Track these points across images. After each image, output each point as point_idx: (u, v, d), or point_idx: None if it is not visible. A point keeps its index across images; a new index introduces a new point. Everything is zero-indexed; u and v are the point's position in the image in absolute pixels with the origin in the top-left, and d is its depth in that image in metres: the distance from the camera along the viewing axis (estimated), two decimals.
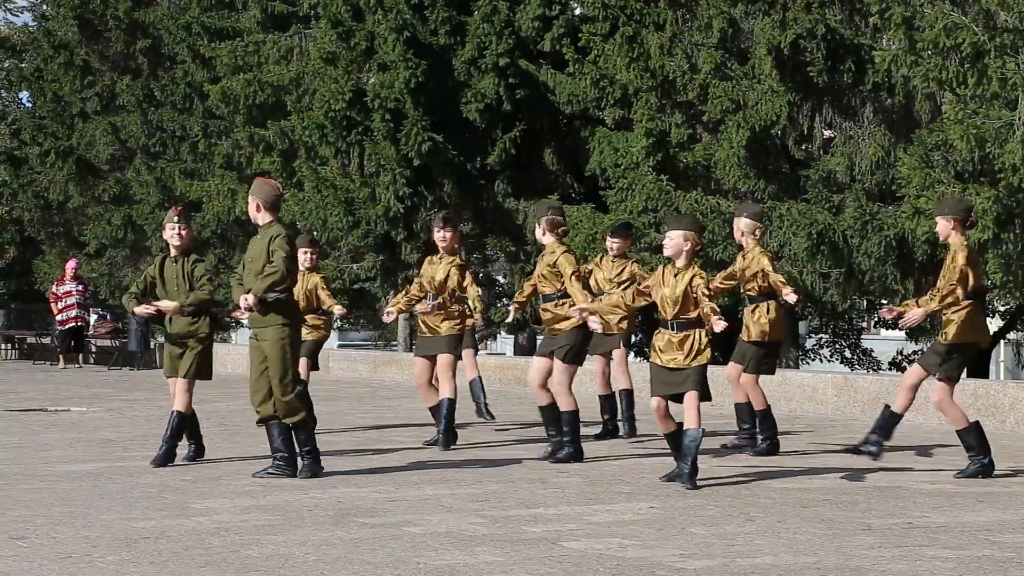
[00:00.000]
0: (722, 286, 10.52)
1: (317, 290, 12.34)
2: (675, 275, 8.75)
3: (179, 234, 9.90)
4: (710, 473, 9.32)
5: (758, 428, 10.55)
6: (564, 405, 9.91)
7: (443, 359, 10.86)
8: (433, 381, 11.09)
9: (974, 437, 9.17)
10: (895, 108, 15.48)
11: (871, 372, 21.98)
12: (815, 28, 15.37)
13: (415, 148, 18.96)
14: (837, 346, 22.45)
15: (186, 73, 25.22)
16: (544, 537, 6.85)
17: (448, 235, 10.91)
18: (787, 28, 15.49)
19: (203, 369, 9.89)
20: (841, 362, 22.70)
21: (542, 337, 10.20)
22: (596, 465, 9.87)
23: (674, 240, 8.74)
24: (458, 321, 10.94)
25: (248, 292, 8.91)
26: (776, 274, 10.34)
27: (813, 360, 23.27)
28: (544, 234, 10.07)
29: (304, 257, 12.24)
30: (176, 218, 9.93)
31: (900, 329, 9.72)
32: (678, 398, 8.77)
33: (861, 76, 15.39)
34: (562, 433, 9.96)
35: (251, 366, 8.99)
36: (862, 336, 23.97)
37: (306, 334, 12.22)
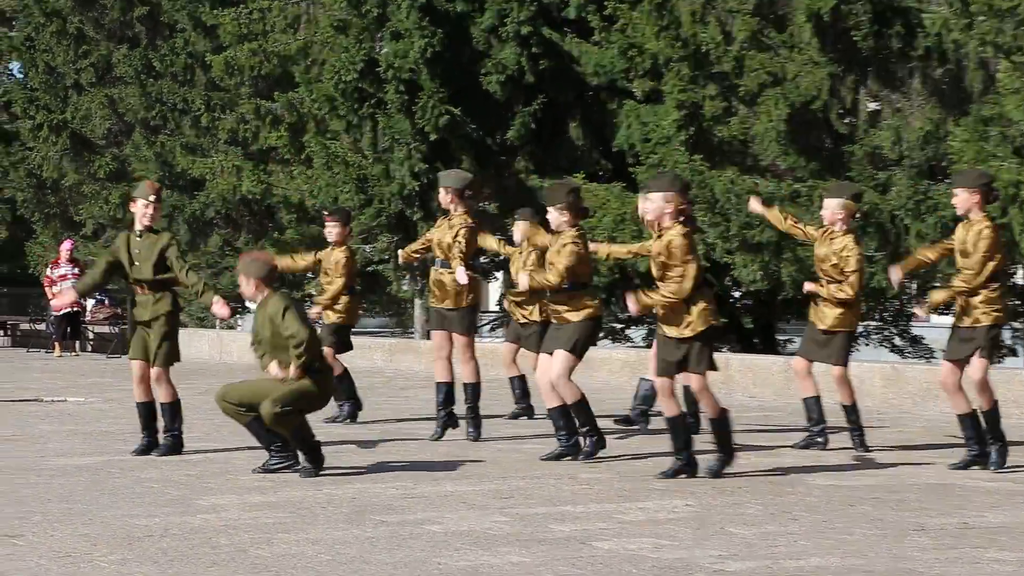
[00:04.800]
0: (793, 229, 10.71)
1: (339, 267, 12.38)
2: (658, 238, 8.76)
3: (151, 214, 10.05)
4: (748, 469, 9.29)
5: (848, 421, 10.45)
6: (569, 396, 9.66)
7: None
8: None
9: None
10: (946, 78, 15.37)
11: (923, 361, 21.89)
12: None
13: (431, 122, 18.93)
14: (886, 334, 22.35)
15: (187, 42, 25.22)
16: (573, 536, 6.83)
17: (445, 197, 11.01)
18: None
19: (173, 354, 10.04)
20: (891, 351, 22.61)
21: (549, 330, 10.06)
22: (628, 461, 9.84)
23: (655, 203, 8.73)
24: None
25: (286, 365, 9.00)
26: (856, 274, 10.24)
27: (866, 346, 23.23)
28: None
29: (329, 231, 12.47)
30: (152, 196, 10.05)
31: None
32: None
33: (910, 42, 15.27)
34: (572, 428, 9.81)
35: (253, 382, 9.12)
36: (912, 323, 23.85)
37: (333, 317, 12.34)
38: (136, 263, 9.98)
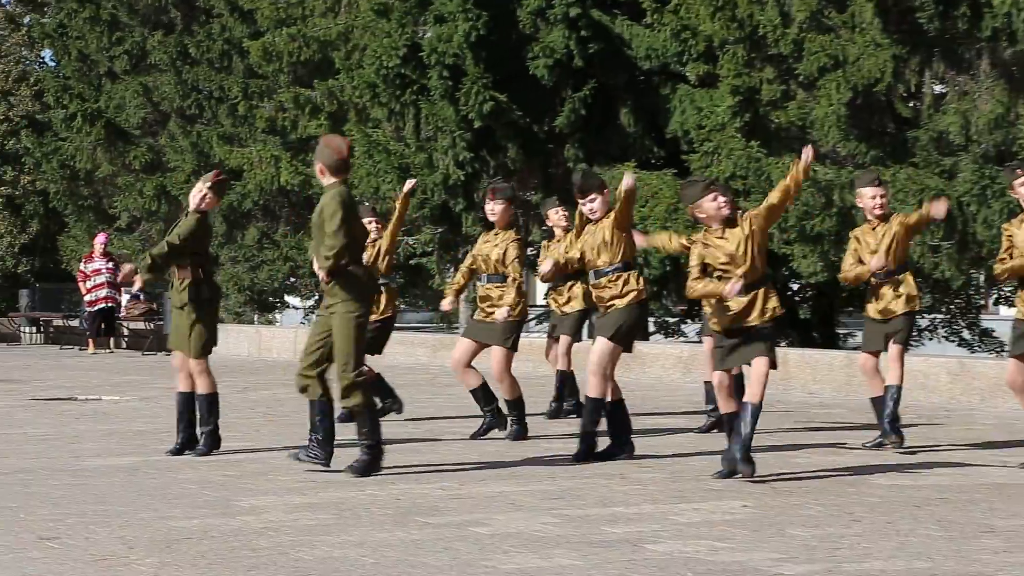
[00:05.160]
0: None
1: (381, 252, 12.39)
2: (721, 236, 8.76)
3: (204, 197, 10.11)
4: (808, 468, 9.27)
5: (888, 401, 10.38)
6: (594, 390, 9.54)
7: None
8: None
9: None
10: (1016, 59, 15.25)
11: (992, 355, 21.72)
12: None
13: (476, 109, 18.94)
14: (954, 327, 22.17)
15: (224, 28, 25.34)
16: (625, 539, 6.84)
17: (499, 208, 10.93)
18: None
19: (207, 342, 10.06)
20: (959, 344, 22.44)
21: (595, 317, 10.05)
22: (682, 460, 9.84)
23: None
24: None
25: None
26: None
27: (931, 340, 23.12)
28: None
29: (368, 228, 12.41)
30: (209, 183, 10.11)
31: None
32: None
33: (977, 22, 15.17)
34: (626, 426, 9.84)
35: (309, 335, 9.06)
36: (981, 315, 23.65)
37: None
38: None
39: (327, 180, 8.96)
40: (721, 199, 8.79)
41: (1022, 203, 9.61)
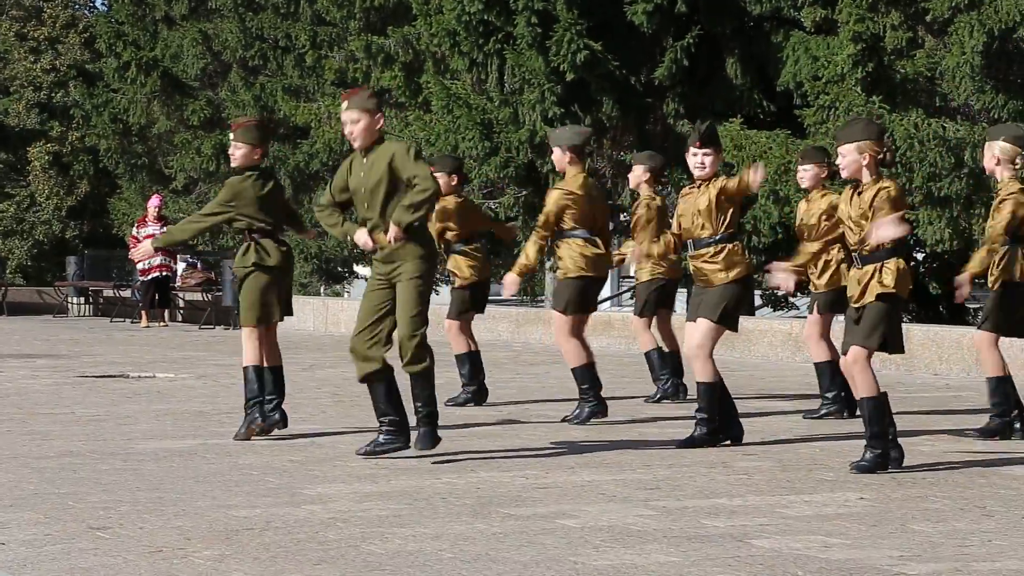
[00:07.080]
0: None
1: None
2: (859, 194, 8.62)
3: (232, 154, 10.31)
4: (935, 459, 9.22)
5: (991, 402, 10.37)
6: (702, 374, 9.64)
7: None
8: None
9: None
10: None
11: None
12: None
13: (568, 59, 18.92)
14: None
15: None
16: (729, 533, 6.84)
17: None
18: None
19: (255, 311, 10.07)
20: None
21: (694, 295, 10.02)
22: (790, 446, 9.81)
23: (847, 156, 8.64)
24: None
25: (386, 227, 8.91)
26: None
27: None
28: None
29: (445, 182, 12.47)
30: (231, 135, 10.33)
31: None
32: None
33: None
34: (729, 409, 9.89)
35: (364, 310, 9.07)
36: None
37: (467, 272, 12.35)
38: None
39: (379, 127, 9.08)
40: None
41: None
